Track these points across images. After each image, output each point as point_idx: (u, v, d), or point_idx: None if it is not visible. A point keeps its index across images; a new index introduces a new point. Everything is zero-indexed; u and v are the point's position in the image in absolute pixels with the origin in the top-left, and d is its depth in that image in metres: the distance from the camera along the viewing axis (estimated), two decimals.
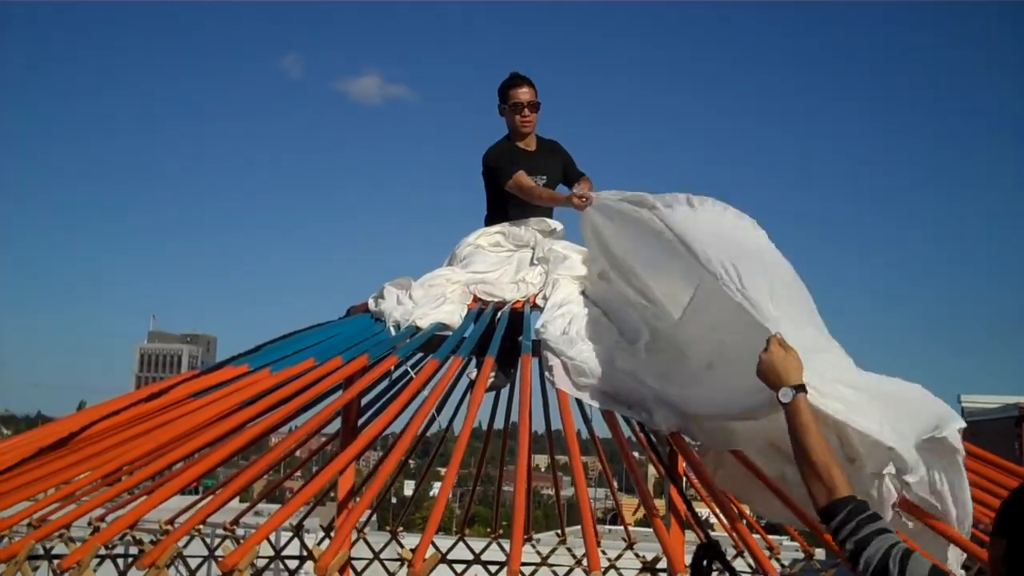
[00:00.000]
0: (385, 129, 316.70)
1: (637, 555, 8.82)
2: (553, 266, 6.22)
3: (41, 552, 6.98)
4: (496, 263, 6.42)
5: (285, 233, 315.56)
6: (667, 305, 5.37)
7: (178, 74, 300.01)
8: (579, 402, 5.97)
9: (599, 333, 5.58)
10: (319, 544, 8.52)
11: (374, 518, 12.39)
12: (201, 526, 7.50)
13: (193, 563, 8.28)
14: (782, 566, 8.08)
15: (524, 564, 6.33)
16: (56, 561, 6.60)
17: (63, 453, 5.14)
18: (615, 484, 10.47)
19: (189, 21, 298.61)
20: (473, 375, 5.88)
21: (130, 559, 8.17)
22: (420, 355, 6.10)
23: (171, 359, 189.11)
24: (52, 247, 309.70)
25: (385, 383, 6.56)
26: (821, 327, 4.52)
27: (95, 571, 7.56)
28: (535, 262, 6.35)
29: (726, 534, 7.91)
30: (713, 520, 8.74)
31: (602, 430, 6.55)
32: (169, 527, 7.73)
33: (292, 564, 8.53)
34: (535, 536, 10.15)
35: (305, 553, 8.67)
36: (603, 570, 8.61)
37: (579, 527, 4.61)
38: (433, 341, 5.88)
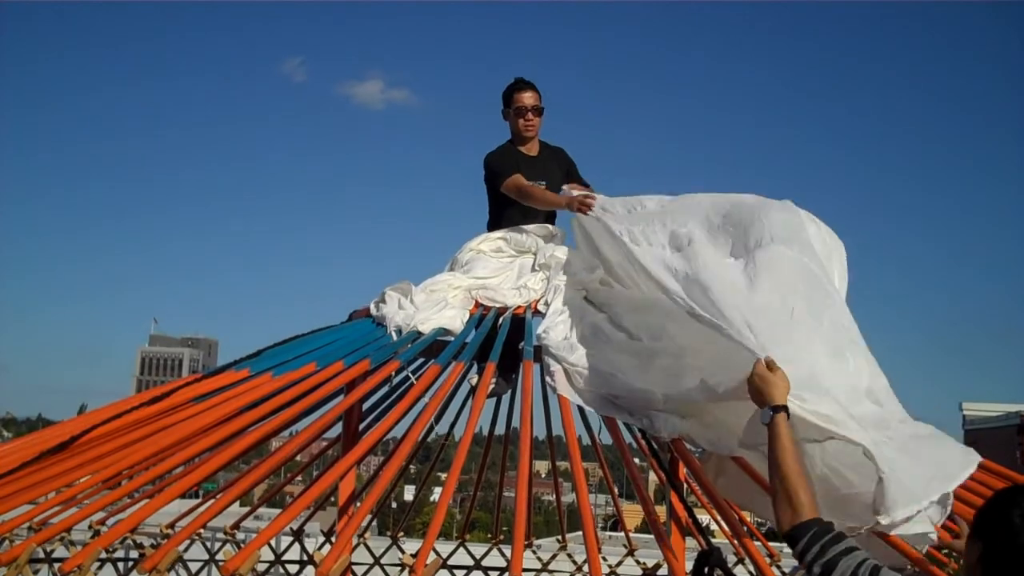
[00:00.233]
0: (388, 133, 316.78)
1: (638, 561, 8.81)
2: (555, 272, 6.22)
3: (42, 555, 6.98)
4: (498, 268, 6.42)
5: (287, 237, 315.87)
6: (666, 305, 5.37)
7: (181, 77, 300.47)
8: (580, 408, 5.98)
9: (600, 339, 5.58)
10: (319, 549, 8.52)
11: (375, 523, 12.40)
12: (202, 530, 7.50)
13: (194, 567, 8.29)
14: (783, 573, 8.07)
15: (525, 570, 6.31)
16: (57, 565, 6.61)
17: (64, 456, 5.14)
18: (616, 490, 10.47)
19: (192, 24, 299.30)
20: (474, 381, 5.88)
21: (130, 563, 8.18)
22: (422, 360, 6.10)
23: (172, 363, 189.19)
24: (53, 249, 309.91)
25: (386, 388, 6.55)
26: (838, 339, 4.51)
27: (95, 575, 7.58)
28: (537, 268, 6.35)
29: (727, 541, 7.90)
30: (714, 527, 8.74)
31: (603, 436, 6.56)
32: (170, 531, 7.75)
33: (293, 569, 8.53)
34: (536, 542, 10.15)
35: (305, 558, 8.67)
36: None
37: (580, 533, 4.61)
38: (435, 346, 5.88)
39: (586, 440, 7.90)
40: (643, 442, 7.30)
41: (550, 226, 6.60)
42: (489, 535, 10.29)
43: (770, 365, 3.58)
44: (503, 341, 5.74)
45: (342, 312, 6.76)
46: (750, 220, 5.12)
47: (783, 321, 4.34)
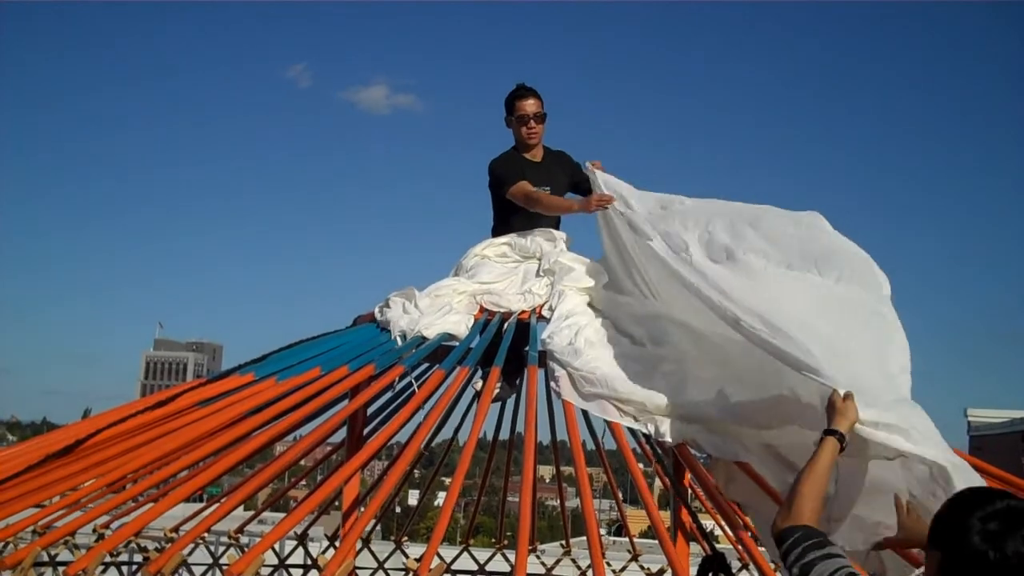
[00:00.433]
0: (393, 138, 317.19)
1: (642, 567, 8.80)
2: (559, 277, 6.22)
3: (46, 559, 6.98)
4: (502, 274, 6.43)
5: (292, 242, 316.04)
6: (680, 310, 5.37)
7: (186, 82, 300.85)
8: (585, 413, 5.97)
9: (605, 344, 5.58)
10: (323, 553, 8.52)
11: (379, 527, 12.39)
12: (206, 534, 7.51)
13: (198, 571, 8.29)
14: None
15: (529, 575, 6.31)
16: (61, 568, 6.62)
17: (69, 460, 5.15)
18: (620, 495, 10.46)
19: (197, 30, 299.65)
20: (478, 386, 5.88)
21: (135, 567, 8.19)
22: (426, 365, 6.10)
23: (177, 367, 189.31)
24: (59, 252, 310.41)
25: (391, 393, 6.55)
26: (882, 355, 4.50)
27: None
28: (541, 273, 6.35)
29: (731, 546, 7.89)
30: (718, 532, 8.72)
31: (607, 441, 6.55)
32: (174, 535, 7.75)
33: (296, 573, 8.53)
34: (540, 547, 10.14)
35: (309, 562, 8.66)
36: None
37: (583, 538, 4.61)
38: (439, 351, 5.88)
39: (590, 445, 7.90)
40: (647, 447, 7.33)
41: (555, 231, 6.60)
42: (493, 540, 10.26)
43: (846, 396, 3.70)
44: (508, 346, 5.75)
45: (347, 317, 6.77)
46: (822, 251, 5.09)
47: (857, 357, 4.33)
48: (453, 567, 8.94)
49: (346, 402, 5.92)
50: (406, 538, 9.72)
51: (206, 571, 8.43)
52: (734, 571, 5.22)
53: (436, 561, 6.28)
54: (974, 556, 2.56)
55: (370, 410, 6.84)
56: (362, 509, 6.17)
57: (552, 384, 5.48)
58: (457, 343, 5.91)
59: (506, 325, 6.01)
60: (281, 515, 8.92)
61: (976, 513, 2.62)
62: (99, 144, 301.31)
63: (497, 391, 5.72)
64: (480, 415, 5.46)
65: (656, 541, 4.99)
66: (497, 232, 6.68)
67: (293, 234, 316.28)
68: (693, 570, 5.35)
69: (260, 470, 6.58)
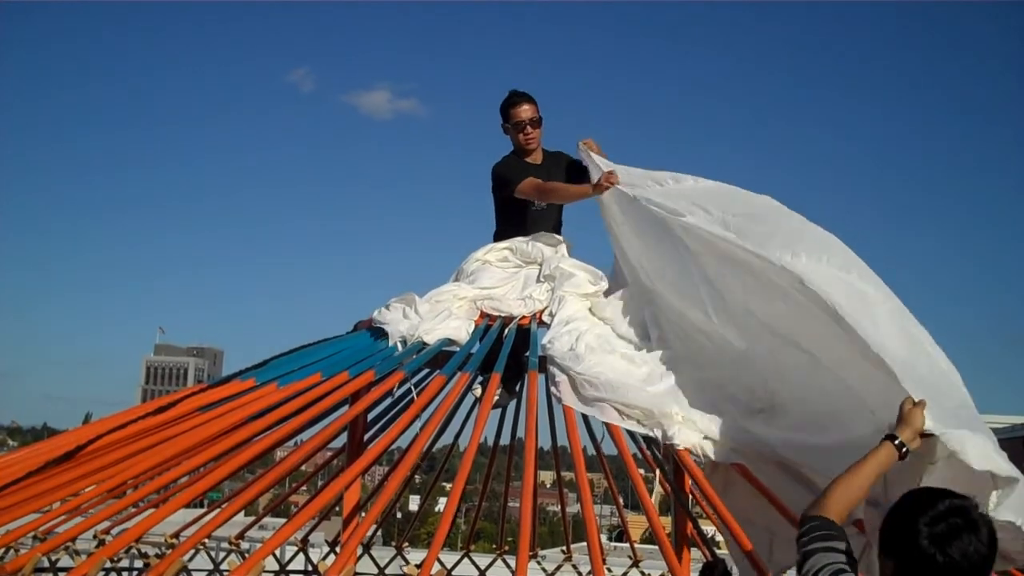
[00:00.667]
0: (395, 143, 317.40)
1: (643, 572, 8.81)
2: (560, 283, 6.22)
3: (47, 565, 6.98)
4: (503, 279, 6.43)
5: (294, 247, 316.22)
6: (694, 309, 5.35)
7: (188, 84, 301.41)
8: (585, 419, 5.97)
9: (606, 350, 5.58)
10: (324, 559, 8.51)
11: (379, 533, 12.38)
12: (207, 540, 7.50)
13: None
14: None
15: None
16: (62, 574, 6.62)
17: (69, 466, 5.14)
18: (621, 501, 10.46)
19: (200, 33, 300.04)
20: (478, 392, 5.88)
21: (135, 572, 8.19)
22: (427, 371, 6.10)
23: (177, 372, 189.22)
24: (60, 258, 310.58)
25: (391, 398, 6.55)
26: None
27: None
28: (542, 279, 6.35)
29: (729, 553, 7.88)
30: (719, 538, 8.71)
31: (608, 447, 6.55)
32: (175, 541, 7.75)
33: None
34: (540, 553, 10.13)
35: (310, 568, 8.66)
36: None
37: (584, 544, 4.61)
38: (439, 357, 5.88)
39: (591, 450, 7.90)
40: (648, 453, 7.32)
41: (556, 237, 6.61)
42: (494, 545, 10.26)
43: (918, 403, 3.58)
44: (508, 352, 5.75)
45: (347, 322, 6.77)
46: (810, 236, 4.97)
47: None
48: (454, 573, 8.94)
49: (347, 408, 5.92)
50: (407, 544, 9.69)
51: None
52: None
53: (437, 567, 6.29)
54: (924, 560, 2.58)
55: (370, 416, 6.84)
56: (363, 515, 6.17)
57: (552, 389, 5.48)
58: (457, 348, 5.91)
59: (507, 331, 6.01)
60: (282, 520, 8.93)
61: (922, 517, 2.64)
62: (100, 147, 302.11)
63: (496, 398, 5.72)
64: (480, 421, 5.46)
65: (656, 547, 4.97)
66: (498, 237, 6.68)
67: (294, 239, 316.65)
68: None
69: (261, 476, 6.58)
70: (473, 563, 9.38)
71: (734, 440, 4.96)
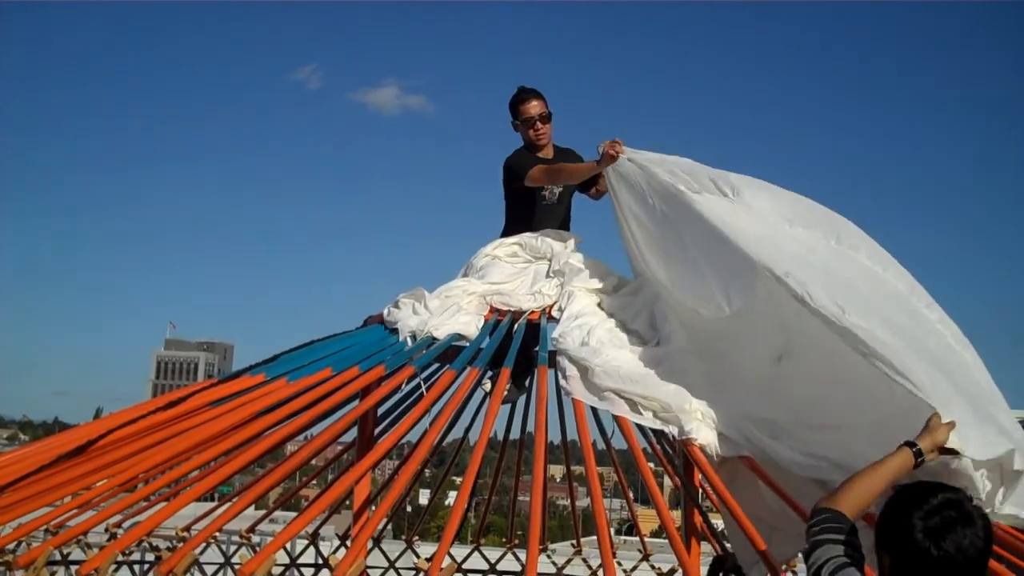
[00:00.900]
0: (403, 139, 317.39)
1: (653, 566, 8.80)
2: (569, 278, 6.22)
3: (59, 558, 7.01)
4: (512, 274, 6.43)
5: (303, 242, 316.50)
6: (703, 300, 5.34)
7: (195, 82, 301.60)
8: (595, 413, 5.98)
9: (617, 344, 5.59)
10: (334, 552, 8.54)
11: (389, 527, 12.41)
12: (218, 533, 7.53)
13: (209, 570, 8.32)
14: None
15: (540, 575, 6.31)
16: (74, 567, 6.65)
17: (81, 460, 5.17)
18: (631, 495, 10.46)
19: (207, 30, 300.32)
20: (487, 387, 5.89)
21: (146, 566, 8.22)
22: (437, 365, 6.11)
23: (188, 367, 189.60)
24: (70, 253, 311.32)
25: (402, 392, 6.56)
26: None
27: None
28: (551, 274, 6.36)
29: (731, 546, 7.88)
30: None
31: (617, 441, 6.56)
32: (186, 534, 7.78)
33: (308, 572, 8.55)
34: (550, 546, 10.14)
35: (321, 561, 8.69)
36: None
37: (594, 538, 4.61)
38: (449, 352, 5.89)
39: (600, 445, 7.90)
40: (658, 447, 7.33)
41: (565, 232, 6.61)
42: (504, 539, 10.28)
43: (948, 422, 3.57)
44: (518, 347, 5.75)
45: (357, 317, 6.78)
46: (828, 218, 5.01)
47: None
48: (464, 566, 8.96)
49: (357, 402, 5.94)
50: (417, 537, 9.72)
51: (218, 570, 8.46)
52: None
53: (447, 560, 6.29)
54: (919, 554, 2.59)
55: (381, 410, 6.85)
56: (373, 508, 6.18)
57: (563, 383, 5.48)
58: (467, 344, 5.92)
59: (516, 326, 6.02)
60: (292, 514, 8.94)
61: (916, 512, 2.65)
62: (109, 144, 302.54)
63: (505, 393, 5.72)
64: (490, 416, 5.47)
65: (666, 540, 4.98)
66: (508, 232, 6.69)
67: (304, 234, 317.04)
68: (704, 570, 5.35)
69: (271, 470, 6.60)
70: (483, 556, 9.39)
71: (743, 435, 4.96)
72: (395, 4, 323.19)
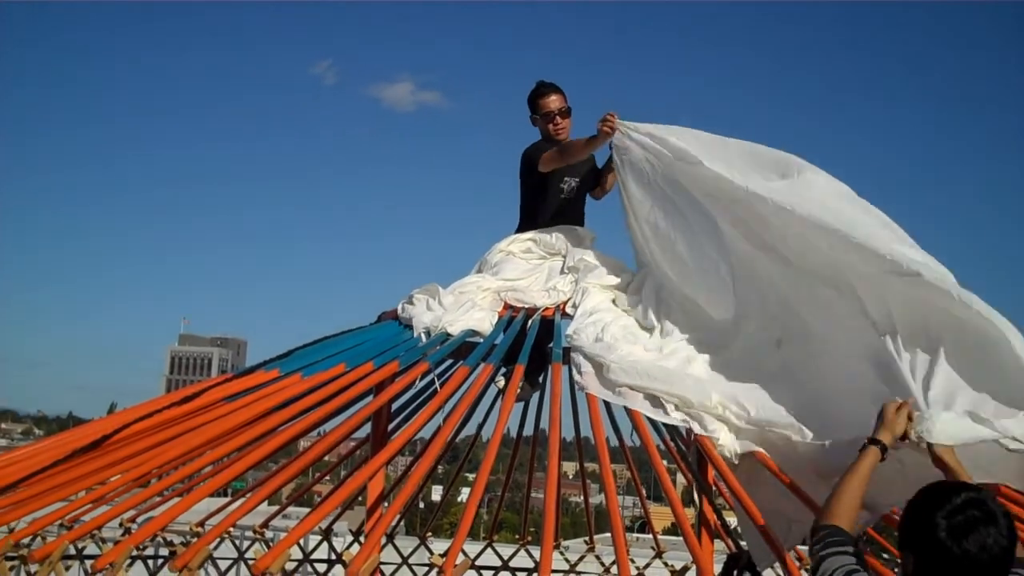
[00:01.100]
0: (417, 135, 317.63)
1: (666, 564, 8.78)
2: (583, 275, 6.21)
3: (73, 552, 7.03)
4: (527, 270, 6.42)
5: (316, 238, 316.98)
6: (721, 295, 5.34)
7: (211, 78, 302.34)
8: (609, 410, 5.96)
9: (631, 341, 5.57)
10: (347, 548, 8.55)
11: (402, 523, 12.41)
12: (231, 529, 7.54)
13: (223, 565, 8.33)
14: None
15: (553, 571, 6.29)
16: (89, 561, 6.66)
17: (96, 455, 5.18)
18: (644, 492, 10.44)
19: (223, 26, 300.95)
20: (501, 384, 5.88)
21: (160, 560, 8.24)
22: (450, 362, 6.11)
23: (201, 362, 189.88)
24: (85, 248, 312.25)
25: (416, 388, 6.56)
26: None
27: (126, 572, 7.63)
28: (565, 270, 6.35)
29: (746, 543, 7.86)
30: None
31: (631, 437, 6.54)
32: (200, 529, 7.79)
33: (321, 568, 8.56)
34: (563, 543, 10.14)
35: (334, 557, 8.69)
36: None
37: (607, 535, 4.60)
38: (463, 348, 5.89)
39: (613, 441, 7.89)
40: (671, 444, 7.31)
41: (580, 229, 6.60)
42: (516, 536, 10.28)
43: (900, 406, 3.69)
44: (532, 343, 5.74)
45: (370, 313, 6.78)
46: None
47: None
48: (477, 563, 8.96)
49: (371, 398, 5.94)
50: (430, 533, 9.72)
51: (231, 565, 8.47)
52: (758, 568, 5.17)
53: (460, 557, 6.28)
54: (942, 553, 2.58)
55: (394, 406, 6.85)
56: (387, 504, 6.19)
57: (577, 379, 5.47)
58: (481, 340, 5.91)
59: (530, 322, 6.01)
60: (305, 510, 8.97)
61: (939, 511, 2.64)
62: (124, 139, 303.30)
63: (518, 390, 5.72)
64: (504, 412, 5.46)
65: (679, 538, 4.97)
66: (522, 227, 6.67)
67: (317, 230, 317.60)
68: (718, 567, 5.33)
69: (285, 465, 6.61)
70: (496, 553, 9.39)
71: (761, 423, 4.94)
72: (410, 1, 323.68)
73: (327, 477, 12.58)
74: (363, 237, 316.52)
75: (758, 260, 5.10)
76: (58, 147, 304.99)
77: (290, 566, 8.14)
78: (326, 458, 8.58)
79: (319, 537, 8.91)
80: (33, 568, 4.64)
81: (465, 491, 28.47)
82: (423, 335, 5.94)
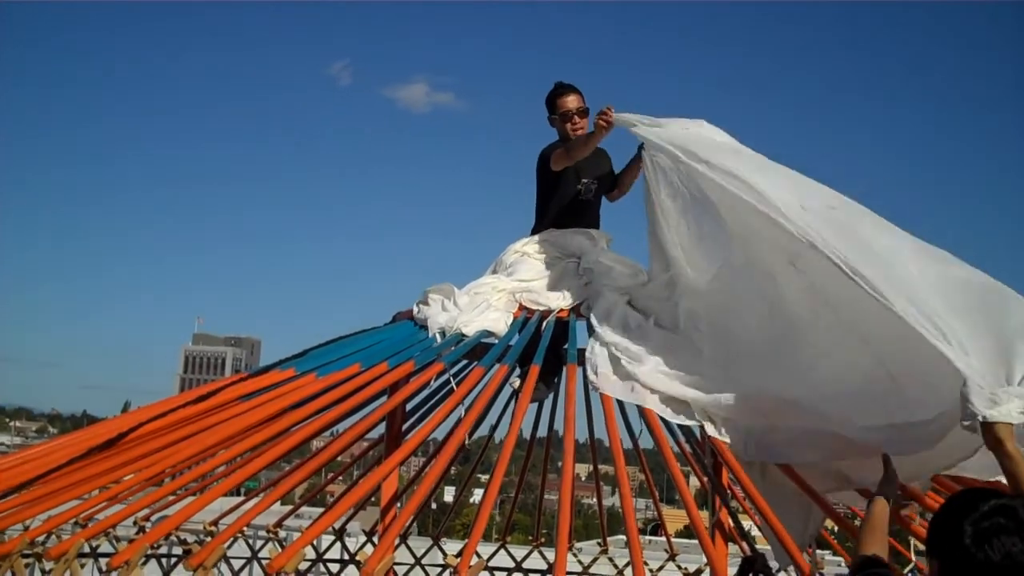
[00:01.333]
0: (432, 135, 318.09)
1: (679, 566, 8.76)
2: (598, 277, 6.20)
3: (87, 550, 7.05)
4: (541, 272, 6.41)
5: (331, 237, 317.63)
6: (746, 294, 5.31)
7: (227, 78, 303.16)
8: (623, 412, 5.94)
9: (646, 341, 5.56)
10: (361, 548, 8.55)
11: (414, 524, 12.41)
12: (245, 528, 7.55)
13: (236, 564, 8.34)
14: None
15: (566, 573, 6.28)
16: (104, 560, 6.68)
17: (111, 454, 5.19)
18: (657, 494, 10.41)
19: (240, 27, 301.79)
20: (516, 385, 5.87)
21: (174, 559, 8.25)
22: (465, 362, 6.10)
23: (215, 361, 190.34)
24: (99, 248, 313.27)
25: (430, 389, 6.56)
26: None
27: (141, 571, 7.64)
28: (580, 272, 6.34)
29: (770, 547, 7.83)
30: (757, 532, 8.66)
31: (644, 440, 6.53)
32: (213, 528, 7.80)
33: (334, 568, 8.56)
34: (577, 545, 10.12)
35: (347, 557, 8.69)
36: None
37: (620, 537, 4.59)
38: (478, 348, 5.88)
39: (627, 443, 7.87)
40: (686, 446, 7.29)
41: (595, 231, 6.58)
42: (530, 537, 10.27)
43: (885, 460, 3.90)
44: (547, 344, 5.73)
45: (385, 313, 6.78)
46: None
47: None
48: (490, 564, 8.95)
49: (385, 398, 5.94)
50: (444, 538, 9.71)
51: (245, 565, 8.48)
52: (773, 571, 5.15)
53: (474, 558, 6.27)
54: (965, 559, 2.56)
55: (409, 406, 6.85)
56: (400, 505, 6.19)
57: (592, 378, 5.46)
58: (496, 340, 5.91)
59: (545, 323, 6.00)
60: (318, 510, 8.97)
61: (966, 518, 2.62)
62: (137, 140, 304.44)
63: (533, 391, 5.71)
64: (519, 413, 5.45)
65: (693, 541, 4.95)
66: (538, 228, 6.66)
67: (332, 230, 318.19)
68: (732, 570, 5.31)
69: (299, 465, 6.61)
70: (509, 554, 9.38)
71: (771, 436, 4.93)
72: (426, 2, 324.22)
73: (340, 477, 12.61)
74: (377, 237, 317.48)
75: (780, 272, 5.01)
76: (58, 146, 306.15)
77: (303, 566, 8.15)
78: (339, 458, 8.59)
79: (332, 537, 8.91)
80: (48, 566, 4.65)
81: (477, 493, 28.48)
82: (438, 335, 5.94)
